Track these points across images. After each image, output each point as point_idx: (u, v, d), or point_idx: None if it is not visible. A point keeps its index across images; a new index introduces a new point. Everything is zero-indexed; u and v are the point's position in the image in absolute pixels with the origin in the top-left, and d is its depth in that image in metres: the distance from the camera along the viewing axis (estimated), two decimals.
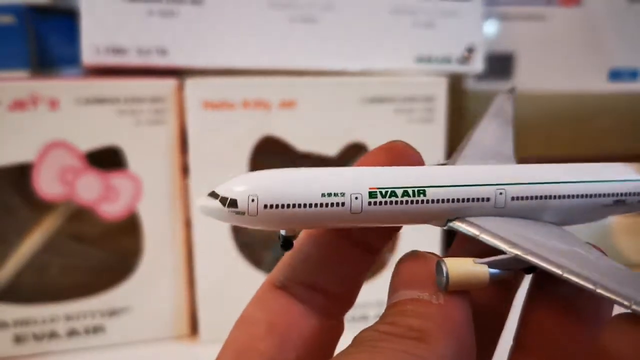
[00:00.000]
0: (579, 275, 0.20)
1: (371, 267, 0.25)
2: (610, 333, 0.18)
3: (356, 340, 0.20)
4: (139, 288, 0.49)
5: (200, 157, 0.48)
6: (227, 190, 0.21)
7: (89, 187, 0.47)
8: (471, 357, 0.20)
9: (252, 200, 0.21)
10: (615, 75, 0.65)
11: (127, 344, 0.50)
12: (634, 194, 0.25)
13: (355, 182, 0.22)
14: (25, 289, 0.50)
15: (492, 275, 0.20)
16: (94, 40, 0.47)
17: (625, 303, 0.18)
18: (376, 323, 0.20)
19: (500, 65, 0.63)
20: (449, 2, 0.53)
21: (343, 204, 0.21)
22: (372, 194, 0.22)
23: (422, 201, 0.22)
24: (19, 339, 0.48)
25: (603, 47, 0.65)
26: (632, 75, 0.65)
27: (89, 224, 0.52)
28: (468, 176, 0.23)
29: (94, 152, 0.47)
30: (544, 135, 0.65)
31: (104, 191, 0.48)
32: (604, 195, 0.24)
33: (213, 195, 0.21)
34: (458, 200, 0.23)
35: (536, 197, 0.24)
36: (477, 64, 0.54)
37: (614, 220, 0.65)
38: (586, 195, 0.24)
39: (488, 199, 0.23)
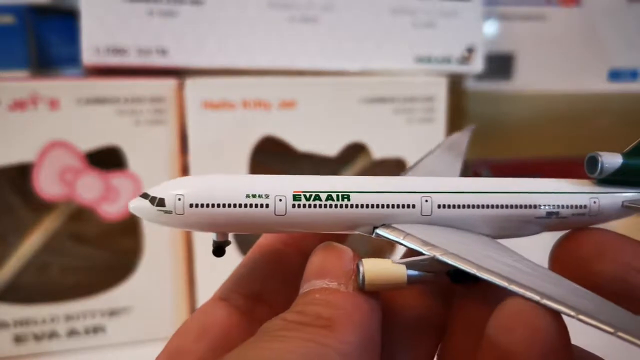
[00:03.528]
0: (494, 273, 0.20)
1: None
2: (500, 326, 0.18)
3: (262, 330, 0.20)
4: (139, 288, 0.49)
5: (200, 157, 0.48)
6: (156, 190, 0.22)
7: (89, 187, 0.47)
8: (376, 349, 0.20)
9: (179, 199, 0.22)
10: (615, 75, 0.65)
11: (127, 344, 0.50)
12: (568, 206, 0.25)
13: (280, 186, 0.22)
14: (25, 289, 0.50)
15: (410, 276, 0.21)
16: (94, 40, 0.47)
17: (544, 302, 0.18)
18: (285, 312, 0.20)
19: (500, 65, 0.63)
20: (449, 2, 0.53)
21: (267, 205, 0.22)
22: (296, 197, 0.22)
23: (347, 205, 0.23)
24: (19, 339, 0.48)
25: (603, 47, 0.65)
26: (631, 75, 0.66)
27: (89, 224, 0.52)
28: (394, 184, 0.24)
29: (94, 152, 0.47)
30: (544, 135, 0.65)
31: (104, 191, 0.48)
32: (535, 206, 0.24)
33: (144, 196, 0.22)
34: (383, 206, 0.23)
35: (464, 206, 0.24)
36: (477, 64, 0.54)
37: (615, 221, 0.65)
38: (516, 206, 0.24)
39: (414, 206, 0.23)
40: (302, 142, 0.50)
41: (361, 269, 0.20)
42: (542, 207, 0.24)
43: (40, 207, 0.50)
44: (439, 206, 0.23)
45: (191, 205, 0.22)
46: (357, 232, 0.23)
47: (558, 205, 0.24)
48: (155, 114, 0.47)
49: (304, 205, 0.22)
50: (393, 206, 0.23)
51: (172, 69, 0.49)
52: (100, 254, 0.53)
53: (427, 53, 0.53)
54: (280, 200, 0.22)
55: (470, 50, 0.54)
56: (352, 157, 0.54)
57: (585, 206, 0.25)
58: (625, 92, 0.65)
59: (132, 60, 0.47)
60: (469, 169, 0.64)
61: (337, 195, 0.22)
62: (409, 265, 0.21)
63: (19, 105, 0.44)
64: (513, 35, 0.63)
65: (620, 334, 0.17)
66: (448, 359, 0.23)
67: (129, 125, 0.47)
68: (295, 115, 0.49)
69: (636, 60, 0.65)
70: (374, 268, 0.20)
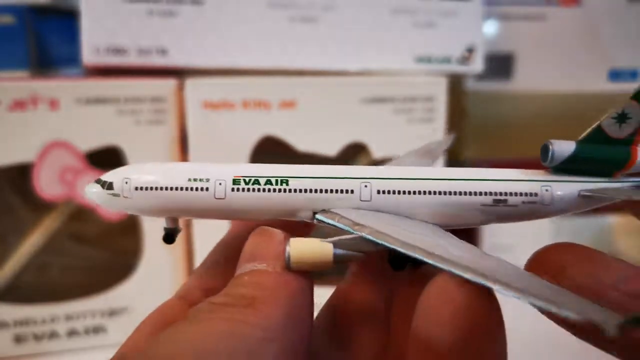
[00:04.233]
0: (417, 248, 0.20)
1: None
2: (424, 305, 0.18)
3: (189, 313, 0.20)
4: (139, 288, 0.49)
5: (200, 157, 0.48)
6: (108, 175, 0.24)
7: None
8: (304, 325, 0.21)
9: (126, 183, 0.23)
10: (615, 75, 0.65)
11: None
12: (516, 194, 0.24)
13: (222, 171, 0.24)
14: (25, 289, 0.50)
15: (337, 255, 0.21)
16: (94, 40, 0.47)
17: (457, 272, 0.18)
18: (213, 296, 0.21)
19: (500, 65, 0.63)
20: (449, 2, 0.53)
21: (207, 188, 0.23)
22: (235, 181, 0.23)
23: (285, 190, 0.23)
24: (19, 339, 0.48)
25: (603, 47, 0.64)
26: (632, 75, 0.65)
27: (89, 224, 0.52)
28: (334, 170, 0.24)
29: (94, 152, 0.47)
30: (544, 135, 0.65)
31: None
32: (480, 193, 0.24)
33: (97, 181, 0.24)
34: (321, 191, 0.23)
35: (404, 192, 0.24)
36: (477, 64, 0.54)
37: (614, 220, 0.65)
38: (458, 193, 0.24)
39: (352, 191, 0.24)
40: (302, 142, 0.50)
41: (287, 248, 0.21)
42: (487, 194, 0.24)
43: (40, 207, 0.50)
44: (378, 192, 0.24)
45: (137, 188, 0.23)
46: (298, 218, 0.24)
47: (505, 193, 0.24)
48: (155, 114, 0.47)
49: (243, 189, 0.23)
50: (331, 191, 0.23)
51: (172, 69, 0.49)
52: (100, 254, 0.53)
53: (427, 53, 0.53)
54: (220, 184, 0.23)
55: (470, 50, 0.54)
56: (352, 157, 0.54)
57: (536, 194, 0.24)
58: (625, 92, 0.65)
59: (132, 60, 0.47)
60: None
61: (276, 180, 0.23)
62: (336, 245, 0.21)
63: (19, 105, 0.44)
64: (513, 35, 0.63)
65: (530, 298, 0.16)
66: (393, 347, 0.23)
67: (129, 125, 0.47)
68: (295, 115, 0.49)
69: (636, 60, 0.65)
70: (299, 247, 0.21)
